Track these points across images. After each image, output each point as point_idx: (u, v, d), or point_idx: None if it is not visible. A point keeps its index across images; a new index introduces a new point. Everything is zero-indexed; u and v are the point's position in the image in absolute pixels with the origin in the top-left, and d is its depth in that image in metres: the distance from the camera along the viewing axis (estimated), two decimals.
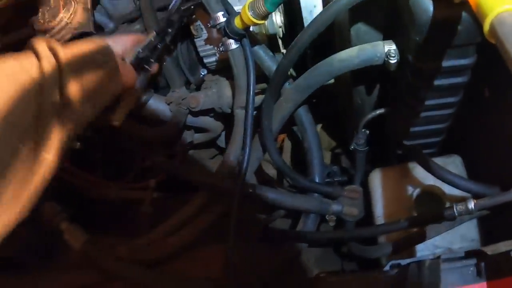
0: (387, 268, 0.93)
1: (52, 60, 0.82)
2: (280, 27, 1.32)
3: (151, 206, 1.45)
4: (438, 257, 0.84)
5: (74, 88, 0.84)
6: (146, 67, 1.26)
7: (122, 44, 1.17)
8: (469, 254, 0.84)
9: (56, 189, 1.58)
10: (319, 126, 1.83)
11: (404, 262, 0.89)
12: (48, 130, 0.79)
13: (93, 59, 0.95)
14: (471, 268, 0.79)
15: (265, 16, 1.02)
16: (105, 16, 1.44)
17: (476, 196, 1.05)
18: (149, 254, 1.29)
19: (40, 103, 0.78)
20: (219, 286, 1.20)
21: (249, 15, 1.02)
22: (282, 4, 1.26)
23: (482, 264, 0.78)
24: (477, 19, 0.63)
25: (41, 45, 0.83)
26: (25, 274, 1.40)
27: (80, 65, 0.88)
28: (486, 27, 0.59)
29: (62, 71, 0.83)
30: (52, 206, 1.42)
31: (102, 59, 0.98)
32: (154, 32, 1.25)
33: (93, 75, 0.92)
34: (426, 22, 0.84)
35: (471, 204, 0.97)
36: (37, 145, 0.78)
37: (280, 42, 1.37)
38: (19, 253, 1.44)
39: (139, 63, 1.22)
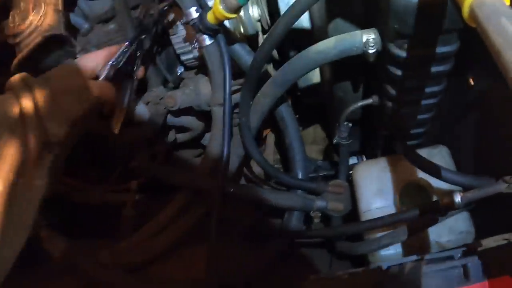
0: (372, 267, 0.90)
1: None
2: (258, 20, 1.29)
3: (133, 209, 1.41)
4: (421, 259, 0.80)
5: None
6: (132, 74, 1.24)
7: (92, 61, 1.15)
8: (455, 253, 0.80)
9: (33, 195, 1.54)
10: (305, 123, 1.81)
11: (385, 265, 0.86)
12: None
13: (61, 85, 0.99)
14: (457, 270, 0.75)
15: (237, 10, 0.99)
16: (81, 17, 1.40)
17: (463, 188, 1.02)
18: (131, 258, 1.26)
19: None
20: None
21: (220, 9, 0.99)
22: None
23: (469, 264, 0.74)
24: (456, 3, 0.59)
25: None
26: (7, 285, 1.37)
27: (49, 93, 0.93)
28: (466, 10, 0.55)
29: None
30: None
31: (70, 83, 1.02)
32: (127, 43, 1.22)
33: (61, 99, 0.96)
34: (405, 9, 0.81)
35: (458, 198, 0.94)
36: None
37: (261, 36, 1.34)
38: None
39: (116, 75, 1.19)
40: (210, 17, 1.05)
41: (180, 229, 1.27)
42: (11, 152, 0.82)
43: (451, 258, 0.78)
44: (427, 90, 1.03)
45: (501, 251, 0.77)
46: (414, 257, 0.83)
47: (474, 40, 0.62)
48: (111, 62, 1.17)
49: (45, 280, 1.35)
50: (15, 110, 0.87)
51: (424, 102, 1.07)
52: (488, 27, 0.50)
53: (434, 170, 1.05)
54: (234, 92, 1.25)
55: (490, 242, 0.80)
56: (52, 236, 1.34)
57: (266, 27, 1.33)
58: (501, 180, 0.89)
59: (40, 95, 0.91)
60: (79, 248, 1.31)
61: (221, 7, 0.98)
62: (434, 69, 0.95)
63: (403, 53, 0.90)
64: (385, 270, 0.83)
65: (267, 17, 1.31)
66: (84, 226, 1.62)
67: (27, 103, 0.89)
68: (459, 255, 0.78)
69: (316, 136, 1.82)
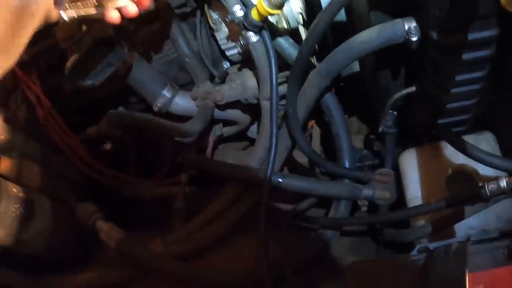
0: (414, 252, 0.91)
1: None
2: (299, 13, 1.31)
3: (183, 201, 1.46)
4: (467, 240, 0.82)
5: None
6: None
7: None
8: (502, 235, 0.81)
9: (90, 190, 1.62)
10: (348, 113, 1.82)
11: (432, 245, 0.87)
12: None
13: None
14: (502, 250, 0.77)
15: (280, 6, 1.02)
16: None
17: (510, 174, 1.02)
18: (183, 248, 1.32)
19: None
20: (253, 276, 1.21)
21: (264, 6, 1.02)
22: None
23: None
24: None
25: None
26: (66, 272, 1.45)
27: None
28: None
29: None
30: (88, 206, 1.47)
31: None
32: None
33: None
34: None
35: (503, 182, 0.95)
36: None
37: (302, 28, 1.36)
38: (59, 253, 1.49)
39: None
40: (254, 14, 1.08)
41: (230, 220, 1.32)
42: None
43: (496, 239, 0.79)
44: (470, 75, 1.03)
45: None
46: (460, 239, 0.84)
47: None
48: None
49: (102, 267, 1.43)
50: None
51: (467, 88, 1.07)
52: None
53: (480, 156, 1.06)
54: (280, 84, 1.28)
55: None
56: (107, 227, 1.41)
57: (306, 19, 1.35)
58: None
59: None
60: (133, 238, 1.37)
61: (265, 4, 1.01)
62: (475, 54, 0.96)
63: (444, 39, 0.91)
64: (432, 250, 0.85)
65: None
66: (136, 218, 1.69)
67: None
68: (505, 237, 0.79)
69: (360, 126, 1.83)
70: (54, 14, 0.79)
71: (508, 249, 0.76)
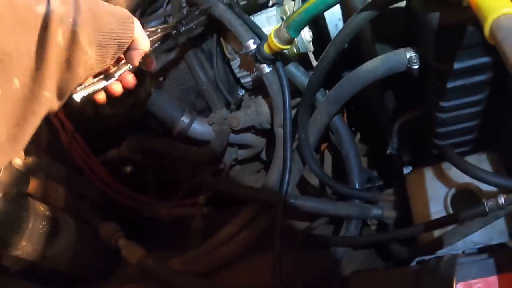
0: (413, 264, 0.97)
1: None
2: (310, 42, 1.39)
3: (201, 221, 1.53)
4: (462, 253, 0.87)
5: (83, 32, 0.79)
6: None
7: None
8: (491, 247, 0.87)
9: (111, 210, 1.70)
10: (358, 134, 1.87)
11: (428, 258, 0.93)
12: (48, 69, 0.74)
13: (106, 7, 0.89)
14: (491, 261, 0.82)
15: (290, 41, 1.10)
16: None
17: (509, 191, 1.08)
18: (201, 265, 1.38)
19: (43, 40, 0.74)
20: None
21: (275, 42, 1.09)
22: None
23: (504, 256, 0.81)
24: (480, 23, 0.67)
25: None
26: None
27: (91, 10, 0.83)
28: (486, 30, 0.63)
29: (72, 14, 0.78)
30: (110, 225, 1.54)
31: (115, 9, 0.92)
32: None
33: (105, 19, 0.86)
34: (439, 28, 0.90)
35: (501, 199, 1.01)
36: (35, 82, 0.73)
37: (311, 56, 1.43)
38: (82, 270, 1.55)
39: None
40: (266, 48, 1.16)
41: (247, 239, 1.38)
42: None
43: (486, 251, 0.85)
44: (470, 98, 1.09)
45: None
46: (451, 251, 0.90)
47: None
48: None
49: (123, 284, 1.50)
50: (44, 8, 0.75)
51: (468, 110, 1.14)
52: (504, 47, 0.58)
53: (481, 175, 1.11)
54: (292, 108, 1.35)
55: None
56: (129, 245, 1.48)
57: (311, 49, 1.42)
58: None
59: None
60: (153, 256, 1.43)
61: (275, 40, 1.09)
62: (474, 79, 1.02)
63: (441, 67, 0.99)
64: (424, 262, 0.90)
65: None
66: (155, 238, 1.75)
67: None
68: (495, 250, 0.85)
69: (371, 147, 1.88)
70: (55, 106, 0.81)
71: (496, 260, 0.81)
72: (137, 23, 0.95)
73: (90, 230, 1.59)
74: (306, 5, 0.99)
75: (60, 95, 0.80)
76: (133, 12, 1.24)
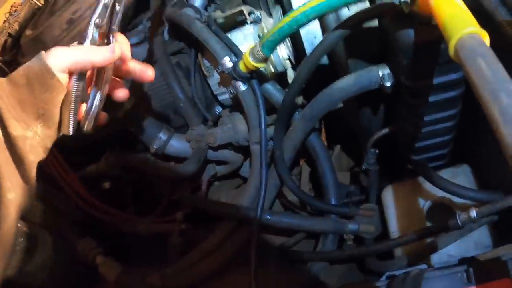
0: (383, 278, 0.99)
1: None
2: (286, 59, 1.40)
3: (180, 237, 1.53)
4: (431, 267, 0.89)
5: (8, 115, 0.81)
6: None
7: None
8: (461, 261, 0.89)
9: (90, 226, 1.69)
10: (337, 148, 1.89)
11: (398, 273, 0.95)
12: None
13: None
14: (459, 275, 0.84)
15: (265, 60, 1.11)
16: None
17: (482, 203, 1.10)
18: (179, 281, 1.38)
19: None
20: None
21: (250, 61, 1.11)
22: (288, 37, 1.35)
23: (471, 269, 0.83)
24: (446, 42, 0.69)
25: None
26: None
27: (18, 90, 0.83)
28: (451, 50, 0.65)
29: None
30: (88, 241, 1.54)
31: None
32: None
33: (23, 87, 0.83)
34: (410, 46, 0.92)
35: (473, 212, 1.03)
36: None
37: (291, 71, 1.45)
38: (59, 286, 1.54)
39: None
40: (242, 66, 1.17)
41: (224, 255, 1.39)
42: None
43: (455, 264, 0.87)
44: (443, 114, 1.12)
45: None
46: (421, 266, 0.92)
47: None
48: (94, 19, 0.91)
49: None
50: None
51: (441, 125, 1.16)
52: (466, 65, 0.60)
53: (453, 189, 1.14)
54: (268, 126, 1.36)
55: (500, 252, 0.88)
56: (107, 261, 1.48)
57: (294, 62, 1.45)
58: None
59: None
60: (131, 272, 1.43)
61: (250, 58, 1.10)
62: (445, 95, 1.05)
63: (413, 84, 1.01)
64: (392, 277, 0.92)
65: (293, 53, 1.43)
66: (134, 253, 1.75)
67: None
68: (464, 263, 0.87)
69: (349, 162, 1.90)
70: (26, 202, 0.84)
71: (465, 273, 0.83)
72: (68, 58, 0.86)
73: (68, 247, 1.58)
74: (280, 24, 1.00)
75: (28, 183, 0.82)
76: None
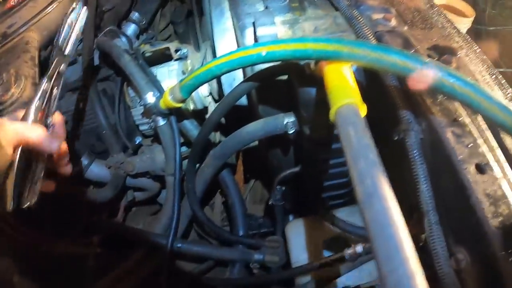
0: None
1: None
2: (207, 96, 1.49)
3: (94, 262, 1.57)
4: None
5: None
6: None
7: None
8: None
9: (7, 246, 1.69)
10: (253, 181, 2.00)
11: None
12: None
13: None
14: None
15: (182, 101, 1.19)
16: None
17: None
18: None
19: None
20: None
21: (169, 100, 1.18)
22: None
23: None
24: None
25: None
26: None
27: None
28: (332, 115, 0.77)
29: None
30: (5, 261, 1.54)
31: None
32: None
33: None
34: (309, 102, 1.05)
35: (360, 248, 1.16)
36: None
37: (212, 107, 1.53)
38: None
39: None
40: (162, 104, 1.25)
41: (135, 282, 1.44)
42: None
43: None
44: (339, 160, 1.25)
45: None
46: None
47: None
48: (35, 103, 0.99)
49: None
50: None
51: (338, 169, 1.29)
52: (340, 131, 0.72)
53: (344, 227, 1.28)
54: (185, 158, 1.45)
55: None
56: (23, 282, 1.49)
57: (217, 98, 1.54)
58: None
59: None
60: None
61: (169, 97, 1.18)
62: (338, 145, 1.16)
63: (313, 134, 1.13)
64: None
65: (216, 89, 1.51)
66: (49, 276, 1.76)
67: None
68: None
69: (264, 194, 2.01)
70: None
71: None
72: None
73: None
74: (198, 71, 1.07)
75: None
76: None
